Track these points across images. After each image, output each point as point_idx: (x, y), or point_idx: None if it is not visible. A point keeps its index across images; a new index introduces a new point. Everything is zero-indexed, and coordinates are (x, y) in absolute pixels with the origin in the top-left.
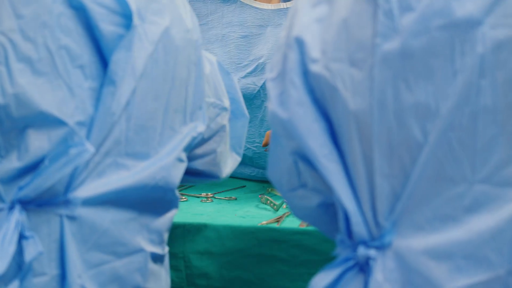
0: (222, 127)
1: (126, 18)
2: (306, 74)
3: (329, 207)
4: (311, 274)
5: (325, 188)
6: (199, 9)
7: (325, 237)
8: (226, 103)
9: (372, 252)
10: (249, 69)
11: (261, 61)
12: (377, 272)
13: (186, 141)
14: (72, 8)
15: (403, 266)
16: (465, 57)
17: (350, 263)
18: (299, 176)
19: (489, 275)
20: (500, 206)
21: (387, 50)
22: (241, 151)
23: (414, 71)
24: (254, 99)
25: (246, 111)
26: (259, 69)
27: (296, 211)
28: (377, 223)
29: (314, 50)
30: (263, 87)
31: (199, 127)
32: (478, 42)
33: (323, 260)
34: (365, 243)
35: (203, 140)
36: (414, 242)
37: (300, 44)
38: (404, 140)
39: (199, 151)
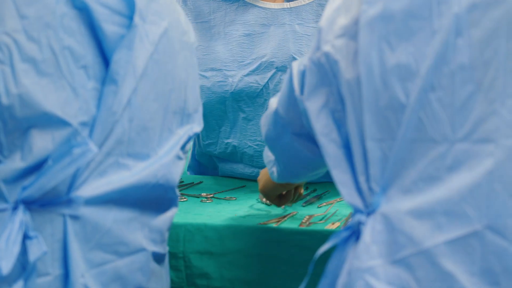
0: None
1: (129, 19)
2: (320, 57)
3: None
4: (311, 274)
5: None
6: (200, 7)
7: (325, 237)
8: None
9: (362, 218)
10: (252, 67)
11: (264, 59)
12: (366, 235)
13: (183, 140)
14: (75, 8)
15: (389, 228)
16: (442, 17)
17: (348, 232)
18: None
19: (466, 230)
20: (478, 162)
21: (371, 15)
22: None
23: (396, 33)
24: (257, 98)
25: None
26: (262, 67)
27: (289, 152)
28: (370, 190)
29: (327, 34)
30: (266, 85)
31: (195, 128)
32: (454, 3)
33: (323, 260)
34: (360, 211)
35: None
36: (400, 204)
37: (319, 31)
38: (390, 102)
39: None
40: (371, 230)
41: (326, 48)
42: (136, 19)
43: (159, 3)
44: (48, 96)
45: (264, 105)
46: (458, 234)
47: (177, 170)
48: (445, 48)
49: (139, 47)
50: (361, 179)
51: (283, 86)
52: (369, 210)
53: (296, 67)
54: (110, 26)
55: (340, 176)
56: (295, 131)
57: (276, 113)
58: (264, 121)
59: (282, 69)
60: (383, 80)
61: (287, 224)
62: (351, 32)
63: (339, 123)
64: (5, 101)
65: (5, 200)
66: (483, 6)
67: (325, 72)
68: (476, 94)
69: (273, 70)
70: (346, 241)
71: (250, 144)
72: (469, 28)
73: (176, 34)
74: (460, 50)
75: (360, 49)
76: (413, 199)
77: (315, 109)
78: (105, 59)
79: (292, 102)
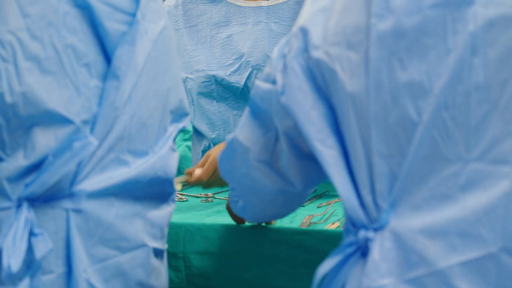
0: None
1: (131, 15)
2: (308, 61)
3: (286, 194)
4: (311, 274)
5: (296, 177)
6: (190, 11)
7: (326, 237)
8: None
9: (370, 234)
10: (233, 68)
11: (243, 60)
12: (374, 252)
13: (174, 133)
14: (77, 7)
15: (399, 246)
16: (457, 36)
17: (352, 248)
18: (272, 153)
19: (481, 252)
20: (494, 183)
21: (381, 30)
22: None
23: (408, 50)
24: (241, 95)
25: None
26: (242, 67)
27: (247, 183)
28: (376, 205)
29: (316, 38)
30: (245, 84)
31: (181, 124)
32: (470, 21)
33: (323, 260)
34: (365, 227)
35: None
36: (411, 222)
37: (304, 33)
38: (400, 119)
39: None
40: (379, 247)
41: (317, 54)
42: (139, 15)
43: (157, 3)
44: (51, 94)
45: (247, 100)
46: (472, 256)
47: (173, 162)
48: (460, 67)
49: (139, 44)
50: (364, 192)
51: (252, 97)
52: (376, 226)
53: (275, 62)
54: (112, 24)
55: (342, 186)
56: (255, 157)
57: (234, 140)
58: (220, 156)
59: (257, 67)
60: (393, 97)
61: (287, 224)
62: (352, 42)
63: (333, 130)
64: (8, 99)
65: (8, 198)
66: (500, 25)
67: (313, 77)
68: (491, 114)
69: (250, 69)
70: (348, 256)
71: None
72: (485, 47)
73: (171, 35)
74: (475, 69)
75: (369, 64)
76: (424, 217)
77: (304, 109)
78: (107, 57)
79: (261, 116)
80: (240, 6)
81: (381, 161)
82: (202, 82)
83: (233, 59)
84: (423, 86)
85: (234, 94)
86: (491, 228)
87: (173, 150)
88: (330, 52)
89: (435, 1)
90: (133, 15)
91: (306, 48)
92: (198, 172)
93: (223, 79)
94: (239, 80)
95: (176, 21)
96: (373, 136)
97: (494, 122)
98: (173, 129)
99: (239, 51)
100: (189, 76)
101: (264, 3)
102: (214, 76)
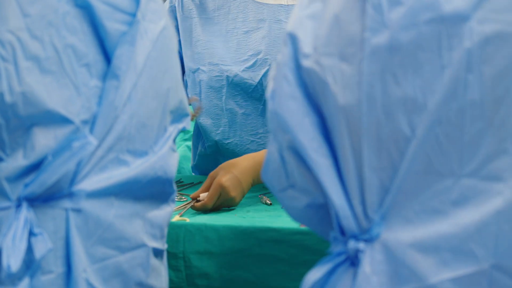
0: None
1: (131, 15)
2: (299, 69)
3: (318, 208)
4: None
5: (314, 187)
6: (206, 4)
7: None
8: None
9: (361, 245)
10: (248, 64)
11: (259, 56)
12: (365, 264)
13: (174, 133)
14: (77, 6)
15: (390, 259)
16: (453, 52)
17: (341, 257)
18: (287, 176)
19: (473, 268)
20: (486, 200)
21: (375, 44)
22: None
23: (402, 65)
24: (253, 92)
25: None
26: (257, 64)
27: (289, 211)
28: (366, 216)
29: (306, 46)
30: (260, 81)
31: (181, 125)
32: (466, 37)
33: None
34: (355, 237)
35: None
36: (402, 235)
37: (293, 39)
38: (392, 134)
39: None
40: (370, 259)
41: (308, 63)
42: (139, 15)
43: (157, 3)
44: (51, 94)
45: (261, 99)
46: (464, 272)
47: (173, 162)
48: (455, 83)
49: (139, 44)
50: (355, 202)
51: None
52: (366, 237)
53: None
54: (112, 24)
55: (335, 195)
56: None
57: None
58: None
59: None
60: (385, 112)
61: (287, 224)
62: (345, 54)
63: (325, 138)
64: (8, 99)
65: (8, 198)
66: (496, 42)
67: (305, 85)
68: (486, 131)
69: (267, 67)
70: (337, 266)
71: (253, 139)
72: (480, 64)
73: (171, 35)
74: (470, 86)
75: (362, 78)
76: (415, 231)
77: (297, 117)
78: (107, 57)
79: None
80: (259, 3)
81: (372, 174)
82: (214, 76)
83: (249, 55)
84: (417, 102)
85: (245, 92)
86: (483, 245)
87: (173, 150)
88: (321, 63)
89: (430, 17)
90: (133, 15)
91: (296, 56)
92: (203, 197)
93: (236, 75)
94: (253, 76)
95: (191, 10)
96: (365, 150)
97: (488, 139)
98: (173, 129)
99: (256, 48)
100: (201, 68)
101: (284, 1)
102: (227, 71)
